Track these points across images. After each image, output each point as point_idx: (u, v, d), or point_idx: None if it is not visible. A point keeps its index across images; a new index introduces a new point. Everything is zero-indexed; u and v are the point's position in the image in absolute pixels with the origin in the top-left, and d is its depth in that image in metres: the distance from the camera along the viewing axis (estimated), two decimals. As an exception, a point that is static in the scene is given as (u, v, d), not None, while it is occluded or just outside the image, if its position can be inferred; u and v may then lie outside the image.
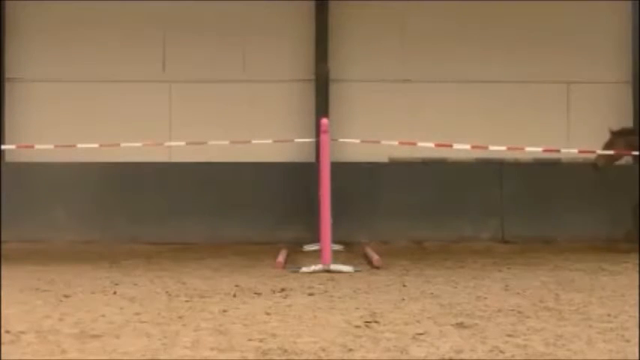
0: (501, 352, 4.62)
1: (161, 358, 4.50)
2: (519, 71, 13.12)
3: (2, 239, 11.52)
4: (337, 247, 10.66)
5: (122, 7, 13.03)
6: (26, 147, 11.39)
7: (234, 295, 6.88)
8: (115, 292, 7.07)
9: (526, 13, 13.19)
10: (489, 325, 5.45)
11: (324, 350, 4.65)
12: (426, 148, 10.80)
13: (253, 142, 11.15)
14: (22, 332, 5.18)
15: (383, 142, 10.78)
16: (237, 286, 7.49)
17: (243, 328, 5.32)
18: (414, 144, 10.49)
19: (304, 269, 8.63)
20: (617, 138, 11.62)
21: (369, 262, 9.51)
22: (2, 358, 4.50)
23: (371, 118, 12.92)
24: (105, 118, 12.84)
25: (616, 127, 11.81)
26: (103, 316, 5.82)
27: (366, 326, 5.39)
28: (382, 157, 12.80)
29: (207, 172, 12.36)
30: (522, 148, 10.64)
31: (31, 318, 5.72)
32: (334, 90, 13.01)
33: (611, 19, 13.24)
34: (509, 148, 10.70)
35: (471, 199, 12.73)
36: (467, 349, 4.66)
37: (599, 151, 11.26)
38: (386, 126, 12.71)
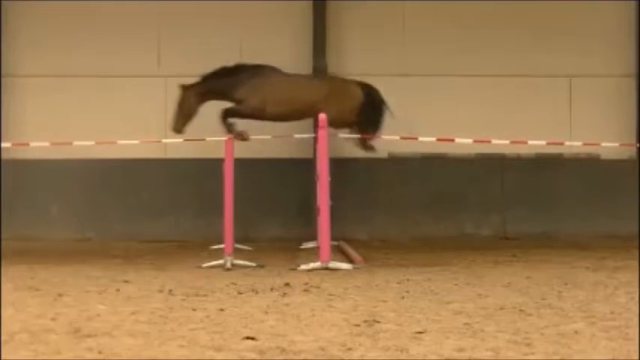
0: (503, 350, 4.54)
1: (157, 357, 4.42)
2: (520, 65, 13.04)
3: (-2, 237, 11.47)
4: (336, 244, 10.58)
5: (117, 1, 12.95)
6: (21, 145, 11.32)
7: (231, 293, 6.81)
8: (115, 290, 6.99)
9: (527, 6, 13.10)
10: (490, 323, 5.37)
11: (322, 349, 4.58)
12: (426, 143, 10.74)
13: (252, 137, 11.07)
14: (16, 332, 5.10)
15: (383, 136, 10.69)
16: (234, 283, 7.42)
17: (241, 327, 5.24)
18: (416, 139, 10.41)
19: (302, 267, 8.55)
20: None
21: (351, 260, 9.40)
22: (2, 358, 4.43)
23: (370, 113, 12.81)
24: (100, 113, 12.77)
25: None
26: (98, 315, 5.74)
27: (366, 324, 5.31)
28: (381, 152, 12.72)
29: (204, 168, 12.28)
30: (525, 142, 10.57)
31: (24, 317, 5.64)
32: (333, 84, 12.91)
33: (614, 12, 13.16)
34: (512, 142, 10.64)
35: (471, 195, 12.67)
36: (468, 348, 4.58)
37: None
38: (385, 121, 12.62)
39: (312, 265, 8.55)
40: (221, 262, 8.92)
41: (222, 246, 9.39)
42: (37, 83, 12.96)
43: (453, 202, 12.67)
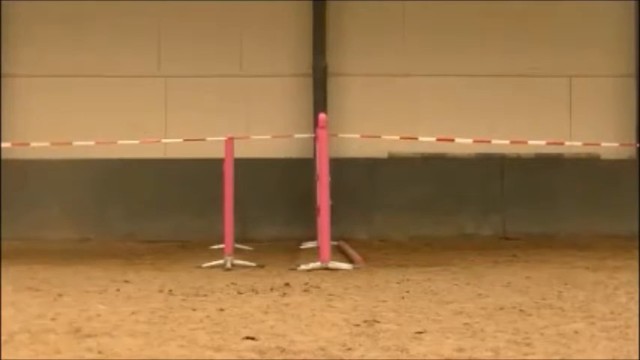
0: (503, 350, 4.53)
1: (157, 357, 4.41)
2: (521, 65, 13.04)
3: (-2, 237, 11.46)
4: (336, 244, 10.57)
5: (117, 1, 12.95)
6: (21, 145, 11.32)
7: (231, 293, 6.80)
8: (115, 290, 6.99)
9: (527, 6, 13.09)
10: (490, 323, 5.36)
11: (322, 349, 4.57)
12: (426, 143, 10.73)
13: (252, 137, 11.07)
14: (16, 332, 5.09)
15: (384, 137, 10.69)
16: (234, 283, 7.41)
17: (241, 327, 5.24)
18: (416, 139, 10.41)
19: (302, 267, 8.55)
20: None
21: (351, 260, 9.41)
22: (2, 358, 4.42)
23: (370, 112, 12.83)
24: (100, 113, 12.77)
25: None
26: (98, 315, 5.74)
27: (366, 324, 5.31)
28: (382, 152, 12.72)
29: (204, 168, 12.28)
30: (525, 142, 10.57)
31: (24, 317, 5.63)
32: (333, 84, 12.92)
33: (614, 12, 13.16)
34: (512, 142, 10.64)
35: (471, 195, 12.67)
36: (468, 348, 4.57)
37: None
38: (386, 121, 12.63)
39: (312, 265, 8.54)
40: (221, 262, 8.92)
41: (222, 246, 9.39)
42: (37, 83, 12.95)
43: (453, 202, 12.66)
